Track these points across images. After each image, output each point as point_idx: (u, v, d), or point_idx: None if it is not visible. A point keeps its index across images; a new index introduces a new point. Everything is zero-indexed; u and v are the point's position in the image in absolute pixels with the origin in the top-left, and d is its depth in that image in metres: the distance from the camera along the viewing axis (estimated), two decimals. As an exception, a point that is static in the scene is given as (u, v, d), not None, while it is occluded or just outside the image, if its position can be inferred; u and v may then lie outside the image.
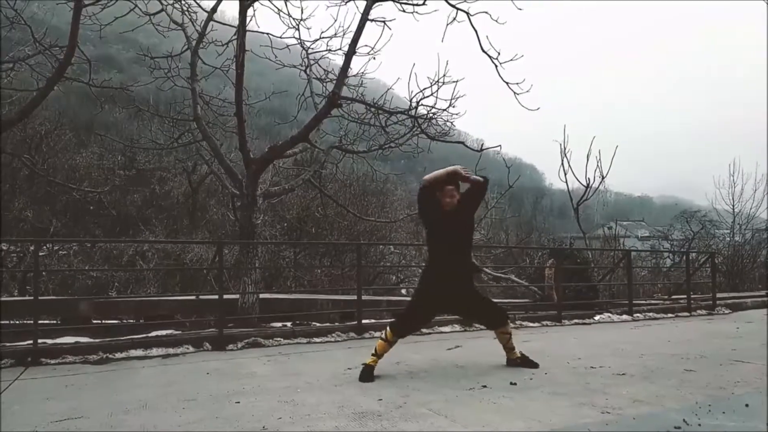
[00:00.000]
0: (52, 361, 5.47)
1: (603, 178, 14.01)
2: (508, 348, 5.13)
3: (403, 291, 23.03)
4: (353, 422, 3.39)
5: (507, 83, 7.72)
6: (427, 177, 4.89)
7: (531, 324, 8.55)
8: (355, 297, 7.73)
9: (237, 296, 7.48)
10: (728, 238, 23.63)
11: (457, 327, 7.89)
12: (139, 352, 5.90)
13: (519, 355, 5.13)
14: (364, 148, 9.74)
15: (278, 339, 6.70)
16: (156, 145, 9.99)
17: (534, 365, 5.02)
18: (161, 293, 12.29)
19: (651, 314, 10.01)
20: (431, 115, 8.53)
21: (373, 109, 8.11)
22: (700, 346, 6.26)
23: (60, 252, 16.36)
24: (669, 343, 6.69)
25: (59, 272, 14.78)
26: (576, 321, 9.01)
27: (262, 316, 7.16)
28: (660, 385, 4.33)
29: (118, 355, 5.77)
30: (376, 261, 25.03)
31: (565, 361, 5.37)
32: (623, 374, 4.74)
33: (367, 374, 4.62)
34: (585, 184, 13.41)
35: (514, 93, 7.75)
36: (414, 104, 8.06)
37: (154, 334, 6.68)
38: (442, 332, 7.65)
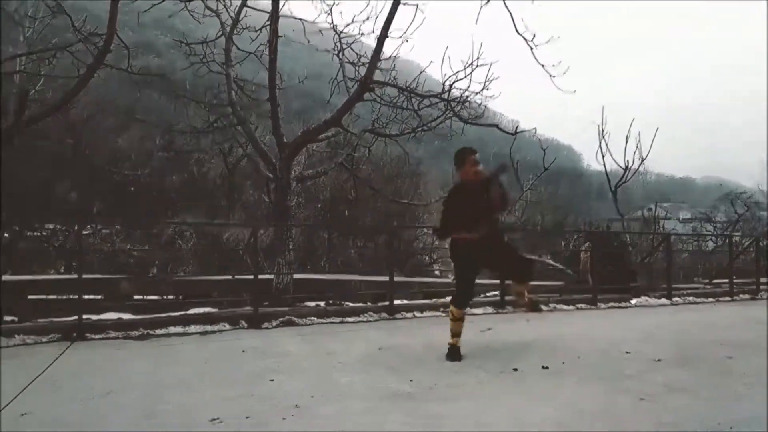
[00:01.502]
0: (96, 336, 5.70)
1: (642, 160, 13.70)
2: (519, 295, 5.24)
3: (437, 272, 23.07)
4: (384, 402, 3.44)
5: (542, 65, 7.57)
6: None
7: (565, 307, 8.45)
8: (387, 278, 7.77)
9: (272, 276, 7.62)
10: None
11: (490, 309, 7.86)
12: (178, 329, 6.08)
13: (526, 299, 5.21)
14: (396, 132, 9.70)
15: (312, 318, 6.81)
16: (193, 129, 10.17)
17: (538, 310, 5.28)
18: (199, 273, 12.61)
19: (691, 299, 9.78)
20: (464, 98, 8.44)
21: (405, 93, 8.05)
22: (741, 333, 6.10)
23: (103, 231, 16.92)
24: (708, 328, 6.53)
25: (101, 251, 15.31)
26: (612, 305, 8.86)
27: (296, 296, 7.28)
28: (697, 372, 4.25)
29: (158, 331, 5.97)
30: (410, 242, 25.09)
31: (599, 345, 5.31)
32: (659, 360, 4.66)
33: (454, 353, 4.68)
34: (623, 166, 13.13)
35: (550, 75, 7.60)
36: (447, 87, 7.98)
37: (192, 311, 6.89)
38: (474, 314, 7.64)
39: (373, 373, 4.19)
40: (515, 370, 4.30)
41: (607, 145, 13.23)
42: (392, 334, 6.09)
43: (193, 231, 16.61)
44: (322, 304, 7.77)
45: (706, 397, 3.59)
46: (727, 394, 3.65)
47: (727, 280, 11.00)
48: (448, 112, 8.76)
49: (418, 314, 7.46)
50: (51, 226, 17.11)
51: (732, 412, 3.30)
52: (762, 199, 24.57)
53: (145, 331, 5.93)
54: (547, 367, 4.38)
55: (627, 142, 13.01)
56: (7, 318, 6.26)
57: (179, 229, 16.70)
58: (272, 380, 3.96)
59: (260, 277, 7.31)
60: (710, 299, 9.96)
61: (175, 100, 9.70)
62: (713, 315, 7.94)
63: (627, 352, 4.98)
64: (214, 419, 3.11)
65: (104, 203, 17.66)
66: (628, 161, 13.02)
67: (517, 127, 8.72)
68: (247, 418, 3.14)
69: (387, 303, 7.33)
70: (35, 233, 16.32)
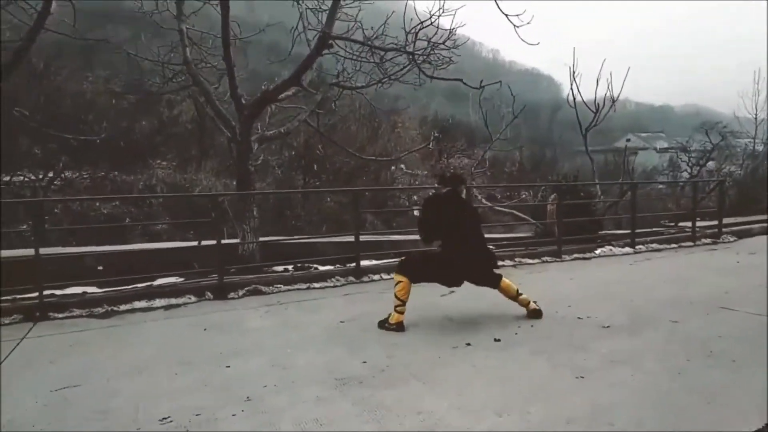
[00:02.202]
0: (60, 315, 5.69)
1: (614, 101, 13.64)
2: (520, 302, 5.21)
3: (416, 212, 23.24)
4: (334, 390, 3.54)
5: (506, 15, 7.34)
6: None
7: (530, 261, 8.63)
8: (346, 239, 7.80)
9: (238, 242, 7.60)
10: (749, 147, 23.25)
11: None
12: (143, 304, 6.10)
13: (535, 306, 5.24)
14: (362, 83, 9.47)
15: (278, 285, 6.87)
16: (148, 90, 9.77)
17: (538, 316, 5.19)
18: (165, 240, 12.44)
19: (654, 245, 10.03)
20: (429, 50, 8.23)
21: (367, 47, 7.79)
22: (694, 288, 6.30)
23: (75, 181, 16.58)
24: (663, 283, 6.74)
25: (61, 200, 15.03)
26: (576, 256, 9.07)
27: (261, 264, 7.29)
28: (643, 340, 4.42)
29: (123, 307, 5.97)
30: (389, 183, 25.17)
31: (555, 309, 5.46)
32: (608, 327, 4.83)
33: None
34: (594, 109, 13.06)
35: (514, 26, 7.39)
36: (411, 39, 7.74)
37: (159, 282, 6.90)
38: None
39: (330, 353, 4.28)
40: (468, 344, 4.42)
41: (578, 87, 13.12)
42: (356, 301, 6.19)
43: (163, 185, 16.34)
44: (290, 268, 7.82)
45: (647, 372, 3.74)
46: (667, 368, 3.80)
47: (701, 223, 11.29)
48: (411, 64, 8.56)
49: (385, 276, 7.55)
50: (20, 177, 16.67)
51: (670, 389, 3.45)
52: (737, 127, 24.92)
53: (110, 308, 5.93)
54: (499, 340, 4.52)
55: (597, 84, 12.91)
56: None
57: (149, 183, 16.40)
58: (228, 367, 4.03)
59: (225, 242, 7.29)
60: (673, 245, 10.23)
61: (127, 59, 9.24)
62: (671, 265, 8.17)
63: (579, 318, 5.14)
64: (164, 419, 3.18)
65: (70, 156, 17.17)
66: (598, 104, 12.96)
67: (482, 81, 8.54)
68: (196, 415, 3.21)
69: (354, 266, 7.39)
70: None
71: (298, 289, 6.86)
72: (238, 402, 3.38)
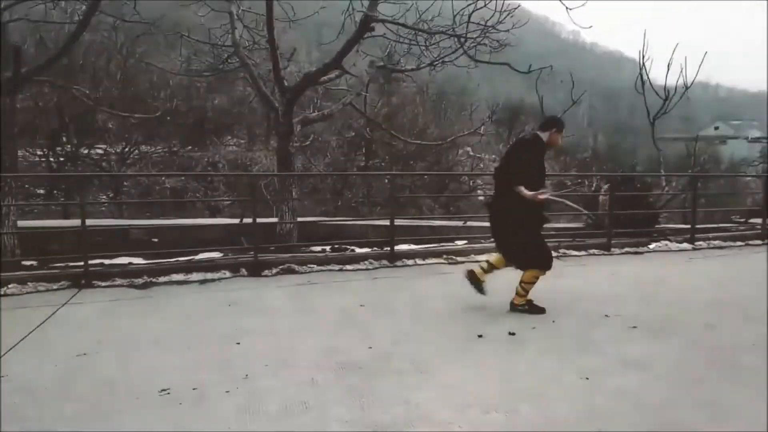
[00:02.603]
0: (103, 284, 6.05)
1: (687, 88, 12.80)
2: (524, 290, 4.99)
3: (480, 197, 22.87)
4: (331, 374, 3.57)
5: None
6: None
7: (576, 253, 8.30)
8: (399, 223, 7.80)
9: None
10: None
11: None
12: (180, 277, 6.38)
13: (526, 301, 5.01)
14: (413, 65, 9.34)
15: (312, 265, 6.98)
16: (197, 73, 10.08)
17: (540, 311, 4.95)
18: (227, 215, 12.94)
19: (717, 242, 9.39)
20: (482, 33, 8.00)
21: (412, 30, 7.67)
22: (744, 291, 5.87)
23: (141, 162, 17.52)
24: (712, 283, 6.32)
25: (139, 183, 15.90)
26: (627, 250, 8.64)
27: (299, 244, 7.43)
28: (667, 344, 4.17)
29: (161, 279, 6.28)
30: (449, 167, 24.92)
31: (583, 305, 5.25)
32: (635, 327, 4.59)
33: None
34: (663, 96, 12.30)
35: (567, 8, 7.03)
36: (459, 21, 7.54)
37: (199, 257, 7.19)
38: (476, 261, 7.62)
39: (339, 338, 4.32)
40: (480, 336, 4.33)
41: (647, 72, 12.39)
42: (384, 285, 6.21)
43: (225, 161, 16.94)
44: (328, 249, 7.93)
45: (658, 378, 3.54)
46: (682, 376, 3.58)
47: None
48: (459, 49, 8.36)
49: (420, 261, 7.51)
50: (101, 149, 17.72)
51: (675, 400, 3.25)
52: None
53: (149, 279, 6.24)
54: (513, 333, 4.40)
55: (669, 69, 12.13)
56: (27, 263, 6.71)
57: (212, 160, 17.04)
58: (238, 344, 4.15)
59: (267, 221, 7.48)
60: (739, 243, 9.54)
61: (180, 43, 9.55)
62: (730, 265, 7.65)
63: (606, 316, 4.91)
64: (163, 390, 3.32)
65: (142, 133, 18.08)
66: (669, 91, 12.19)
67: (530, 66, 8.21)
68: (193, 389, 3.33)
69: (388, 249, 7.40)
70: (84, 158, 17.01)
71: (331, 270, 6.94)
72: (236, 380, 3.48)
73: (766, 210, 9.90)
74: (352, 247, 8.00)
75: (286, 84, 7.60)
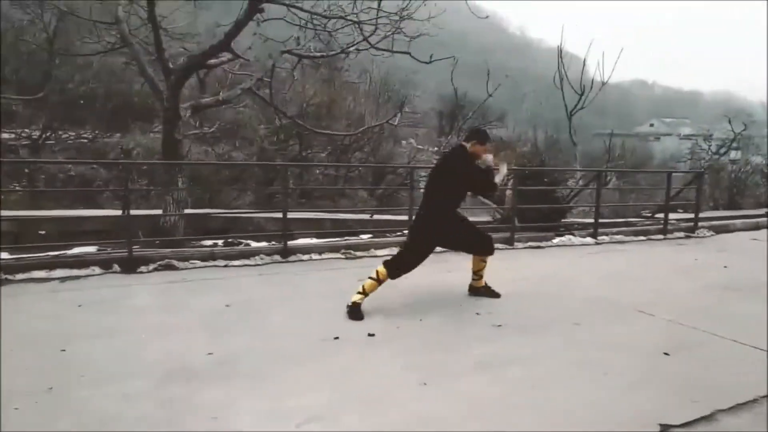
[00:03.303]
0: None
1: (603, 84, 12.98)
2: (478, 275, 5.29)
3: (422, 189, 22.70)
4: (151, 384, 3.25)
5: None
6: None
7: (479, 247, 8.22)
8: (303, 216, 7.49)
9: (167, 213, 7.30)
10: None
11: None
12: (42, 274, 5.86)
13: (484, 284, 5.31)
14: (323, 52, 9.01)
15: (195, 261, 6.59)
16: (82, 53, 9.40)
17: (496, 295, 5.27)
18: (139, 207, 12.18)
19: (619, 237, 9.55)
20: (389, 23, 7.77)
21: (307, 13, 7.34)
22: (628, 287, 5.89)
23: (53, 148, 16.47)
24: (600, 279, 6.33)
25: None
26: (530, 244, 8.65)
27: (184, 238, 7.01)
28: (525, 344, 4.05)
29: (19, 276, 5.73)
30: (386, 158, 24.55)
31: (460, 301, 5.12)
32: (500, 326, 4.47)
33: (356, 313, 4.57)
34: (579, 91, 12.42)
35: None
36: (360, 7, 7.27)
37: (75, 251, 6.65)
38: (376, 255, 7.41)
39: (186, 341, 3.98)
40: (336, 338, 4.10)
41: (565, 68, 12.47)
42: (265, 283, 5.89)
43: (140, 148, 16.10)
44: (220, 243, 7.54)
45: (506, 381, 3.39)
46: (529, 378, 3.45)
47: (684, 215, 10.80)
48: (372, 35, 8.11)
49: (315, 257, 7.24)
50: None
51: (511, 406, 3.10)
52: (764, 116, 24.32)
53: (4, 276, 5.69)
54: (373, 335, 4.19)
55: (584, 65, 12.27)
56: None
57: (126, 147, 16.17)
58: (64, 350, 3.76)
59: (140, 213, 7.01)
60: (641, 237, 9.74)
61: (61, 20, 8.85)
62: (625, 259, 7.74)
63: (477, 314, 4.79)
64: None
65: (56, 117, 16.96)
66: (584, 86, 12.31)
67: (432, 56, 8.05)
68: (-19, 405, 2.94)
69: (281, 244, 7.07)
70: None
71: (215, 266, 6.56)
72: (35, 393, 3.11)
73: (667, 205, 10.16)
74: (247, 242, 7.63)
75: (171, 66, 7.12)
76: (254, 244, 7.57)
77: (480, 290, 5.34)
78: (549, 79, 13.12)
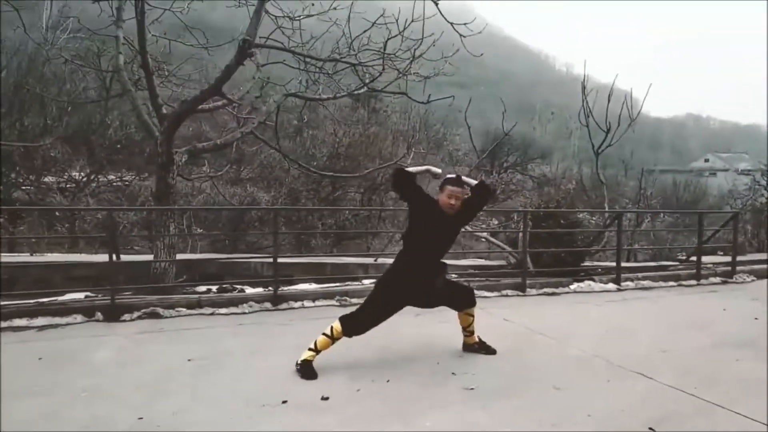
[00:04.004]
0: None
1: (632, 120, 12.43)
2: (468, 331, 4.85)
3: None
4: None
5: (452, 24, 6.61)
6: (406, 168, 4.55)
7: (488, 293, 7.75)
8: (302, 259, 7.26)
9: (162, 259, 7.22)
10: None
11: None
12: (23, 322, 5.79)
13: (477, 340, 4.88)
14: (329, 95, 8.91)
15: (180, 309, 6.41)
16: (89, 100, 9.66)
17: (491, 351, 4.84)
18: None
19: (647, 282, 8.86)
20: (408, 62, 7.64)
21: (298, 57, 7.26)
22: (636, 343, 5.32)
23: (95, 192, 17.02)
24: (607, 332, 5.78)
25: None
26: (545, 290, 8.11)
27: (178, 284, 6.87)
28: (489, 412, 3.61)
29: (2, 324, 5.68)
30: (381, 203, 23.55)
31: (437, 359, 4.70)
32: (472, 389, 4.03)
33: (308, 371, 4.22)
34: (605, 128, 11.90)
35: (461, 36, 6.64)
36: (355, 48, 7.14)
37: (65, 298, 6.61)
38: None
39: (119, 404, 3.72)
40: (284, 402, 3.76)
41: (588, 104, 12.02)
42: (243, 333, 5.62)
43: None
44: (214, 288, 7.38)
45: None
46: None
47: (723, 258, 10.02)
48: (379, 76, 7.99)
49: (308, 303, 6.95)
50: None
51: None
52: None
53: (-12, 324, 5.64)
54: (327, 398, 3.83)
55: (609, 101, 11.76)
56: None
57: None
58: (-8, 411, 3.56)
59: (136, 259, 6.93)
60: (671, 283, 9.01)
61: (65, 67, 9.15)
62: (641, 311, 7.09)
63: (453, 374, 4.36)
64: None
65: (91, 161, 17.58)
66: (609, 123, 11.79)
67: (429, 96, 7.83)
68: None
69: (271, 291, 6.84)
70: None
71: (201, 314, 6.36)
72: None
73: (700, 248, 9.41)
74: (243, 287, 7.45)
75: (164, 112, 7.14)
76: (249, 291, 7.37)
77: (473, 347, 4.91)
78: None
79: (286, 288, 7.40)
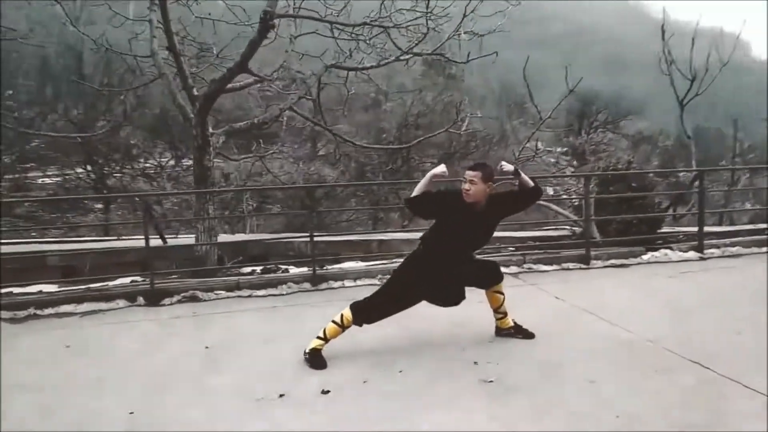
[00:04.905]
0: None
1: (723, 65, 11.02)
2: (500, 313, 4.38)
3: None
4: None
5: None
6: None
7: (545, 267, 7.11)
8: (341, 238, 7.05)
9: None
10: None
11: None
12: (69, 308, 5.94)
13: (512, 323, 4.40)
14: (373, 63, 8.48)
15: (219, 292, 6.36)
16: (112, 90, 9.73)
17: (529, 336, 4.37)
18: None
19: (736, 249, 7.80)
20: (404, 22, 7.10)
21: (325, 24, 6.86)
22: (705, 322, 4.62)
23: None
24: (674, 310, 5.05)
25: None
26: (613, 262, 7.33)
27: (222, 267, 6.85)
28: (489, 411, 3.17)
29: (47, 311, 5.85)
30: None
31: (462, 345, 4.27)
32: (491, 381, 3.60)
33: (317, 361, 3.99)
34: (690, 77, 10.60)
35: None
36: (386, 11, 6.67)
37: (114, 283, 6.79)
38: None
39: (121, 395, 3.65)
40: (282, 395, 3.53)
41: (670, 51, 10.75)
42: (273, 318, 5.46)
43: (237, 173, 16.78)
44: (258, 269, 7.32)
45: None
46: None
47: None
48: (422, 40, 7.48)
49: (349, 283, 6.70)
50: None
51: None
52: None
53: (34, 312, 5.85)
54: (327, 392, 3.55)
55: (693, 45, 10.42)
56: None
57: (225, 171, 16.92)
58: (-3, 403, 3.59)
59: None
60: (764, 249, 7.87)
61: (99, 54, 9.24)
62: (725, 282, 6.22)
63: (475, 363, 3.93)
64: None
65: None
66: (695, 70, 10.48)
67: (469, 54, 7.16)
68: None
69: (310, 271, 6.63)
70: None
71: (239, 296, 6.29)
72: None
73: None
74: (286, 267, 7.33)
75: (195, 93, 7.04)
76: (293, 270, 7.24)
77: (507, 331, 4.40)
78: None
79: (329, 267, 7.20)
